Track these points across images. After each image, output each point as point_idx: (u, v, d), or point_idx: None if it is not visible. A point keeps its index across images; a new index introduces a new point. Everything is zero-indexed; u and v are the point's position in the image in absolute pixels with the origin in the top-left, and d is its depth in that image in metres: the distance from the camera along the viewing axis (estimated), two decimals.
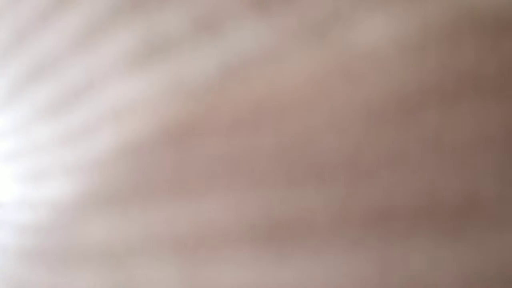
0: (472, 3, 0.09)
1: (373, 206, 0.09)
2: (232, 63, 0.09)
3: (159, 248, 0.10)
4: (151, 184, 0.10)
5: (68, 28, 0.10)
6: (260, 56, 0.09)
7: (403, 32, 0.09)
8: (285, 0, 0.09)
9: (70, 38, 0.10)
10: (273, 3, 0.09)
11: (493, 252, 0.09)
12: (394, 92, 0.09)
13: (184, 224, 0.10)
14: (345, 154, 0.09)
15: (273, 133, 0.09)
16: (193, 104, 0.09)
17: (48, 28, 0.10)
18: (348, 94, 0.09)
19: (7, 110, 0.11)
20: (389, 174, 0.09)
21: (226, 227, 0.09)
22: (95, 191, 0.10)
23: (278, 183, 0.09)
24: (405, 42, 0.09)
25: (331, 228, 0.09)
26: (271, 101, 0.09)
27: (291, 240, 0.09)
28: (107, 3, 0.10)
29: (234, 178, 0.09)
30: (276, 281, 0.09)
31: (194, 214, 0.09)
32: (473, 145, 0.09)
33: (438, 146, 0.09)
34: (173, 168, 0.09)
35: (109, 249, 0.10)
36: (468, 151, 0.09)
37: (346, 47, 0.09)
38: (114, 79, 0.10)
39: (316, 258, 0.09)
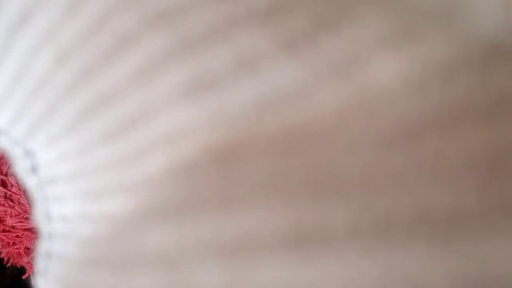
0: (465, 43, 0.10)
1: (381, 217, 0.10)
2: (267, 96, 0.10)
3: (207, 254, 0.10)
4: (199, 199, 0.10)
5: (127, 66, 0.11)
6: (291, 91, 0.10)
7: (408, 70, 0.10)
8: (311, 43, 0.10)
9: (129, 75, 0.11)
10: (302, 46, 0.10)
11: (476, 258, 0.09)
12: (401, 121, 0.10)
13: (228, 233, 0.10)
14: (360, 174, 0.10)
15: (302, 156, 0.10)
16: (234, 131, 0.10)
17: (110, 66, 0.11)
18: (364, 123, 0.10)
19: (72, 134, 0.12)
20: (394, 190, 0.10)
21: (262, 235, 0.10)
22: (150, 205, 0.11)
23: (306, 198, 0.10)
24: (410, 78, 0.10)
25: (348, 236, 0.10)
26: (300, 129, 0.10)
27: (315, 246, 0.10)
28: (161, 46, 0.11)
29: (269, 194, 0.10)
30: (303, 280, 0.10)
31: (236, 225, 0.10)
32: (463, 165, 0.09)
33: (435, 167, 0.10)
34: (218, 185, 0.10)
35: (163, 255, 0.11)
36: (458, 171, 0.09)
37: (363, 84, 0.10)
38: (166, 109, 0.11)
39: (335, 261, 0.10)
